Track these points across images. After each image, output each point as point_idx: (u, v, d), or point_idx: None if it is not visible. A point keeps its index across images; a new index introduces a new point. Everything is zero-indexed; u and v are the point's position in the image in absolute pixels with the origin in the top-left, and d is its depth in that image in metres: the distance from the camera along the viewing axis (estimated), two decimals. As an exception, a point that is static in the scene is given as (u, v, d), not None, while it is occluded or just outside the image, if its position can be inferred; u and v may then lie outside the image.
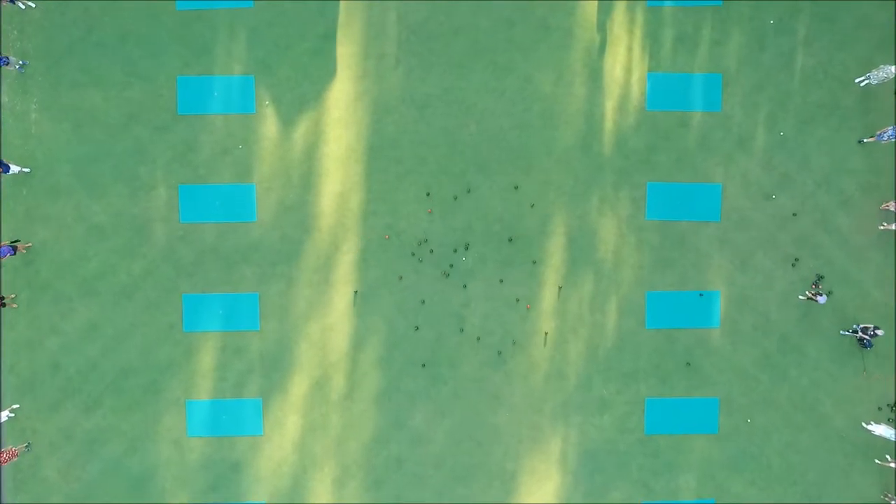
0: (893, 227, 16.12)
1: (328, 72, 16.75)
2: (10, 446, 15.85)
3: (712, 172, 16.91)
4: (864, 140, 16.45)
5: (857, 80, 16.50)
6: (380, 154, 16.84)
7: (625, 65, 16.88)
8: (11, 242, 15.79)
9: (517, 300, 17.07)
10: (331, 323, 16.94)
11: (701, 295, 16.75)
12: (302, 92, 16.74)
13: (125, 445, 16.88)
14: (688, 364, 17.06)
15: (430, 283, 16.97)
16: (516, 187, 16.93)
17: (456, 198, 16.92)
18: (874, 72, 15.70)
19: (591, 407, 17.05)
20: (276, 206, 16.81)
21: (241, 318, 16.85)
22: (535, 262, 17.00)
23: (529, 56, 16.77)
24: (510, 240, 16.95)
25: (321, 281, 16.89)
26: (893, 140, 15.69)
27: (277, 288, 16.86)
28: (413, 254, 16.94)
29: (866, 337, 15.67)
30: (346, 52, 16.76)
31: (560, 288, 17.05)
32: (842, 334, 16.77)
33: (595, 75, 16.84)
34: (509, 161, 16.88)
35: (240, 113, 16.71)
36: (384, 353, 17.00)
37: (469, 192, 16.90)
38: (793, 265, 17.00)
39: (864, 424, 16.36)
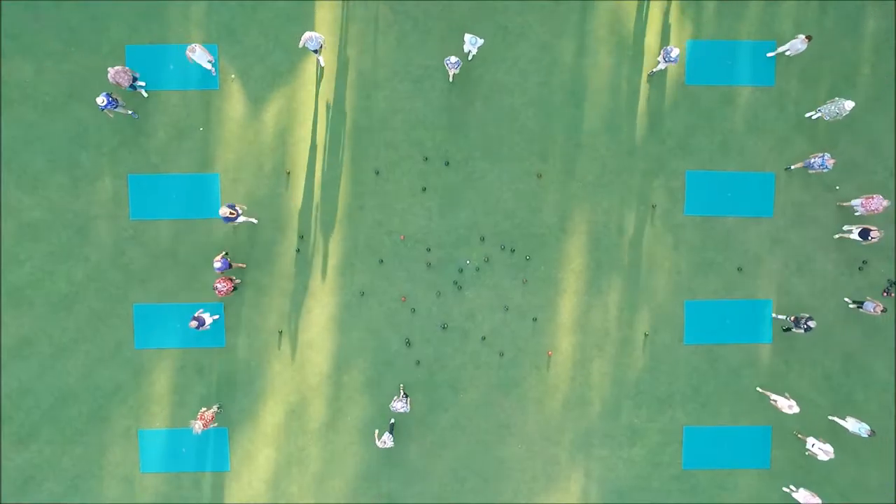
0: (853, 235, 13.57)
1: (305, 39, 14.09)
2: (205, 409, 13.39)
3: (763, 159, 14.30)
4: (792, 167, 14.10)
5: (807, 115, 14.17)
6: (368, 137, 14.21)
7: (659, 30, 14.24)
8: (224, 255, 13.61)
9: (534, 319, 14.44)
10: (309, 339, 14.33)
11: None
12: (274, 63, 14.12)
13: (65, 484, 14.44)
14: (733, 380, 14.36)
15: (425, 292, 14.34)
16: (539, 175, 14.24)
17: (458, 189, 14.28)
18: (827, 105, 13.06)
19: (618, 437, 14.60)
20: (244, 200, 14.28)
21: (202, 332, 14.42)
22: (552, 267, 14.32)
23: (546, 20, 14.17)
24: (523, 239, 14.26)
25: (297, 289, 14.26)
26: (825, 170, 13.16)
27: (245, 297, 14.22)
28: (407, 257, 14.26)
29: (800, 330, 13.43)
30: (327, 15, 14.10)
31: (582, 296, 14.36)
32: (775, 318, 14.43)
33: (624, 43, 14.19)
34: (522, 145, 14.25)
35: (200, 89, 14.25)
36: (372, 374, 14.42)
37: (474, 182, 14.19)
38: (860, 269, 14.39)
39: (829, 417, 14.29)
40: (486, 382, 14.56)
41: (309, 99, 14.25)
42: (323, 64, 13.96)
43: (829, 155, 13.04)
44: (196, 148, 14.25)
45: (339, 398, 14.50)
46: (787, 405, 13.24)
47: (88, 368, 14.38)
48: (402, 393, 13.64)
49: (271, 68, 14.19)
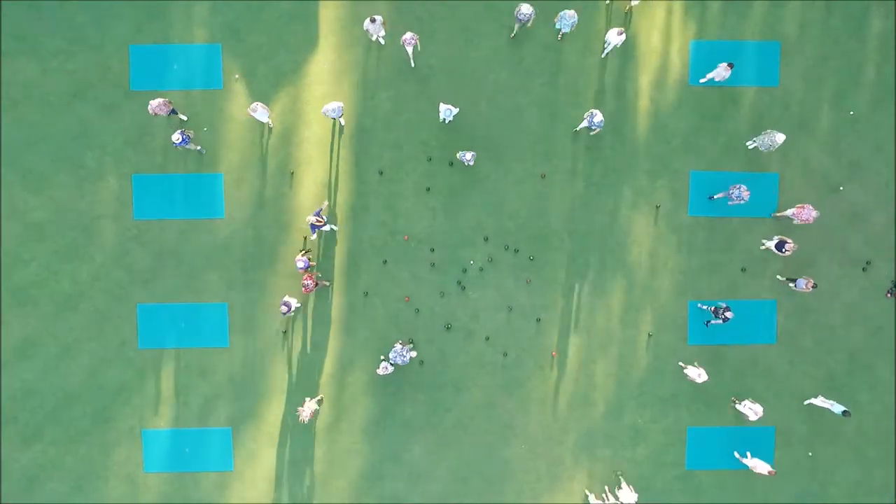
0: (772, 246, 13.52)
1: (309, 39, 14.19)
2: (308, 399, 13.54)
3: (768, 160, 14.26)
4: (715, 196, 14.02)
5: (747, 144, 14.13)
6: (372, 138, 14.20)
7: (664, 30, 14.19)
8: (304, 253, 13.71)
9: (538, 320, 14.41)
10: (313, 339, 14.36)
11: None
12: (278, 63, 14.10)
13: (69, 484, 14.43)
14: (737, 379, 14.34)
15: (429, 292, 14.32)
16: (543, 176, 14.24)
17: (463, 190, 14.28)
18: (761, 137, 13.13)
19: (622, 438, 14.56)
20: (248, 201, 14.24)
21: (206, 332, 14.40)
22: (555, 267, 14.31)
23: (551, 20, 14.06)
24: (527, 239, 14.24)
25: (301, 289, 14.20)
26: (742, 202, 13.09)
27: (249, 297, 14.27)
28: (411, 257, 14.25)
29: (718, 321, 13.36)
30: (331, 15, 14.09)
31: (587, 297, 14.36)
32: (699, 307, 14.35)
33: (628, 43, 14.16)
34: (527, 146, 14.23)
35: (204, 89, 14.17)
36: (376, 374, 14.33)
37: (478, 183, 14.17)
38: (864, 270, 14.36)
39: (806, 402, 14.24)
40: (490, 383, 14.53)
41: (313, 99, 14.23)
42: (343, 123, 14.09)
43: (745, 187, 12.92)
44: (201, 147, 14.22)
45: (342, 398, 14.48)
46: (697, 374, 13.26)
47: (92, 368, 14.37)
48: (403, 346, 13.52)
49: (275, 68, 14.17)
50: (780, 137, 12.86)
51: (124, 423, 14.45)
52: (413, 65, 13.56)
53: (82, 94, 14.15)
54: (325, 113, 13.12)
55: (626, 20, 14.09)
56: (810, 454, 14.53)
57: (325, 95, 14.21)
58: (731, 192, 13.04)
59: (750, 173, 14.31)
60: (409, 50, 13.28)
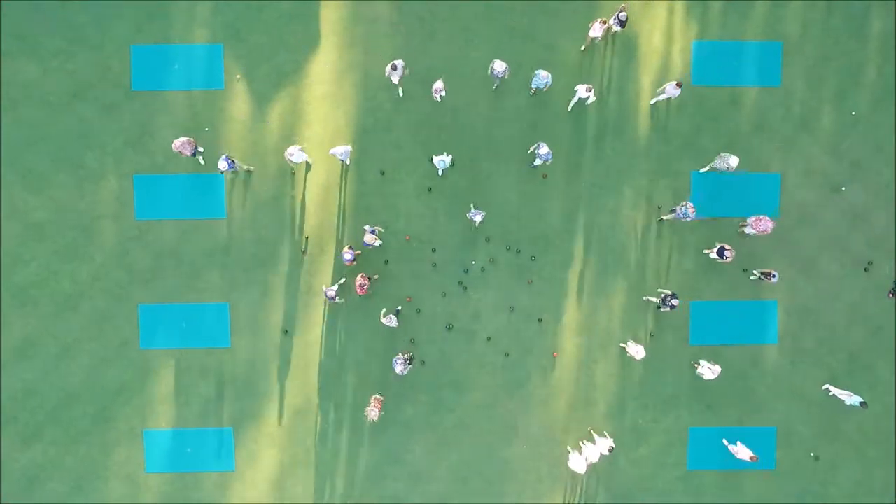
0: (714, 255, 13.45)
1: (310, 39, 14.16)
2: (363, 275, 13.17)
3: (769, 160, 14.29)
4: (664, 217, 14.00)
5: (700, 170, 14.11)
6: (373, 138, 14.17)
7: (665, 31, 14.18)
8: (349, 247, 13.52)
9: (540, 320, 14.39)
10: (314, 339, 14.31)
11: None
12: (279, 63, 14.07)
13: (70, 484, 14.40)
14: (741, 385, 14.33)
15: (431, 292, 14.31)
16: (545, 176, 14.24)
17: (464, 190, 14.27)
18: (717, 160, 13.10)
19: (623, 438, 14.59)
20: (249, 201, 14.15)
21: (207, 332, 14.38)
22: (557, 267, 14.31)
23: (552, 20, 14.11)
24: (528, 240, 14.24)
25: (303, 289, 14.23)
26: (692, 219, 13.11)
27: (251, 297, 14.24)
28: (413, 257, 14.23)
29: (666, 309, 13.26)
30: (332, 15, 14.07)
31: (588, 297, 14.35)
32: (644, 300, 14.37)
33: (630, 43, 14.12)
34: (528, 146, 14.16)
35: (205, 89, 14.14)
36: (378, 374, 14.32)
37: (480, 183, 14.16)
38: (865, 270, 14.37)
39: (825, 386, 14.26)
40: (492, 383, 14.52)
41: (314, 99, 14.20)
42: (349, 163, 14.08)
43: (691, 204, 12.86)
44: (201, 148, 14.18)
45: (344, 398, 14.46)
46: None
47: (93, 368, 14.35)
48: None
49: (276, 68, 14.15)
50: (734, 161, 12.78)
51: (125, 423, 14.43)
52: (438, 99, 13.52)
53: (83, 94, 14.12)
54: (333, 154, 13.11)
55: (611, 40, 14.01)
56: (812, 454, 14.53)
57: (325, 95, 14.18)
58: (678, 210, 13.03)
59: (752, 173, 14.31)
60: (438, 97, 13.17)
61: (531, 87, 13.74)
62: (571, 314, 14.47)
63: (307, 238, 14.29)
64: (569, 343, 14.48)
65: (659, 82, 14.25)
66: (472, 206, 13.83)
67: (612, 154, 14.31)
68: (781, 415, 14.55)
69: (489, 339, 14.47)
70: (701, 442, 14.57)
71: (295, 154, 13.05)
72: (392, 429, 14.49)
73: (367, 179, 14.28)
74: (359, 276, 13.08)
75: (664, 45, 14.27)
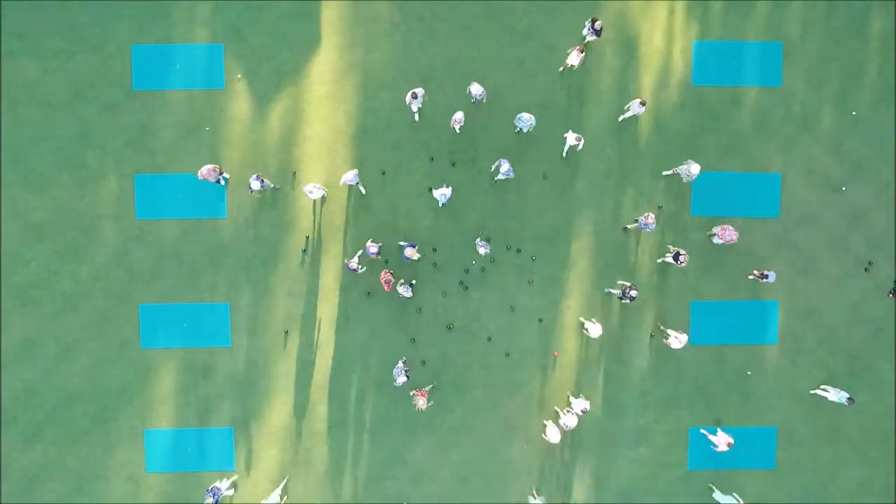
0: (669, 260, 13.58)
1: (311, 39, 14.13)
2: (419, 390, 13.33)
3: (770, 160, 14.30)
4: (628, 227, 14.12)
5: (664, 173, 14.19)
6: (373, 138, 14.16)
7: (666, 31, 14.17)
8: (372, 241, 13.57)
9: (540, 320, 14.40)
10: (315, 339, 14.30)
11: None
12: (279, 63, 14.06)
13: (70, 485, 14.39)
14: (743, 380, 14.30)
15: (431, 292, 14.30)
16: (545, 176, 14.24)
17: (465, 190, 14.22)
18: (682, 166, 13.23)
19: (624, 438, 14.62)
20: (250, 200, 14.15)
21: (208, 332, 14.38)
22: (558, 267, 14.33)
23: (553, 19, 14.10)
24: (529, 240, 14.24)
25: (303, 289, 14.21)
26: (650, 230, 13.25)
27: (251, 297, 14.25)
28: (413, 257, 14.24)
29: (627, 300, 13.28)
30: (332, 14, 14.07)
31: (589, 297, 14.36)
32: (606, 293, 14.40)
33: (630, 43, 14.14)
34: (529, 146, 14.15)
35: (206, 88, 14.13)
36: (379, 374, 14.34)
37: (480, 183, 14.17)
38: (866, 270, 14.38)
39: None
40: (492, 383, 14.52)
41: (315, 99, 14.20)
42: (364, 192, 14.12)
43: (651, 215, 12.98)
44: (202, 148, 14.20)
45: (344, 398, 14.47)
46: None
47: (94, 368, 14.34)
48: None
49: (277, 68, 14.14)
50: (695, 168, 12.85)
51: (126, 423, 14.43)
52: (458, 131, 13.68)
53: (83, 93, 14.11)
54: (344, 182, 13.23)
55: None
56: (811, 454, 14.55)
57: (326, 95, 14.18)
58: (640, 221, 13.10)
59: (752, 174, 14.31)
60: (457, 127, 13.32)
61: (516, 127, 13.83)
62: (572, 314, 14.47)
63: (308, 237, 14.29)
64: (569, 343, 14.48)
65: (659, 82, 14.25)
66: (478, 237, 13.84)
67: (613, 154, 14.31)
68: (782, 415, 14.55)
69: (490, 339, 14.47)
70: (701, 442, 14.56)
71: (314, 191, 13.13)
72: (392, 428, 14.49)
73: (367, 179, 14.27)
74: (383, 273, 13.14)
75: (665, 44, 14.27)
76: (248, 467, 14.49)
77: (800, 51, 14.25)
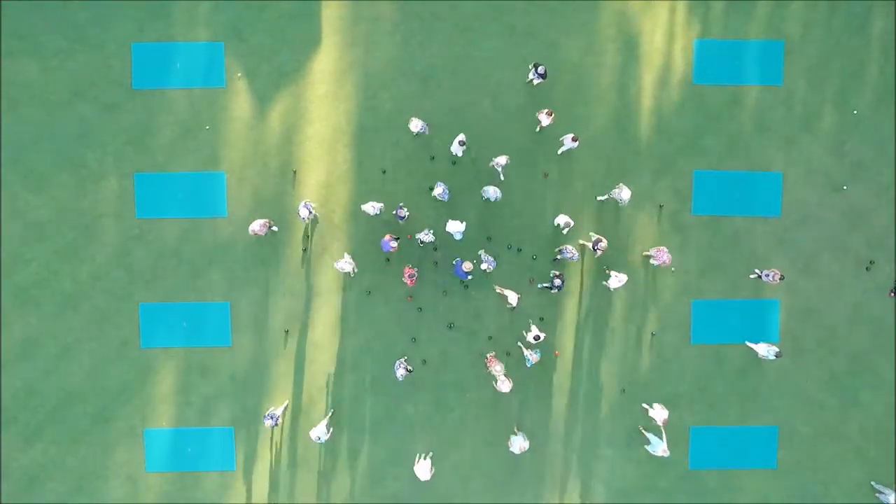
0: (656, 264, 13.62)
1: (311, 38, 14.12)
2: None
3: (771, 159, 14.27)
4: (557, 258, 13.93)
5: (598, 198, 14.23)
6: (374, 137, 14.15)
7: (667, 29, 14.16)
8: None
9: (541, 319, 14.38)
10: (315, 338, 14.29)
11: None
12: (280, 62, 14.04)
13: (70, 484, 14.37)
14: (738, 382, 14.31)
15: (432, 291, 14.29)
16: (546, 175, 14.23)
17: (466, 189, 14.27)
18: (614, 190, 13.35)
19: (625, 437, 14.49)
20: (250, 200, 14.19)
21: (208, 332, 14.37)
22: (558, 266, 14.29)
23: (554, 18, 14.08)
24: (529, 239, 14.24)
25: (304, 288, 14.19)
26: (574, 259, 13.35)
27: (251, 296, 14.21)
28: (414, 256, 14.21)
29: (554, 291, 13.42)
30: (333, 14, 14.05)
31: (589, 296, 14.34)
32: (539, 288, 14.39)
33: (632, 42, 14.12)
34: (530, 145, 14.14)
35: (206, 87, 14.09)
36: (379, 373, 14.32)
37: (481, 182, 14.18)
38: (867, 269, 14.35)
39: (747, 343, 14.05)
40: (492, 382, 14.50)
41: (315, 98, 14.18)
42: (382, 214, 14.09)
43: (570, 247, 13.16)
44: (202, 147, 14.18)
45: (345, 398, 14.45)
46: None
47: (94, 368, 14.32)
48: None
49: (277, 67, 14.12)
50: (626, 194, 13.05)
51: (126, 422, 14.41)
52: (502, 178, 13.81)
53: (83, 92, 14.10)
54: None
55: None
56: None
57: (327, 94, 14.16)
58: (564, 249, 13.23)
59: (753, 173, 14.30)
60: (500, 171, 13.35)
61: (482, 196, 13.82)
62: (573, 313, 14.46)
63: (308, 237, 14.27)
64: (570, 342, 14.47)
65: (660, 81, 14.24)
66: (482, 251, 13.82)
67: (614, 153, 14.29)
68: (783, 414, 14.54)
69: (490, 338, 14.45)
70: (702, 441, 14.56)
71: (345, 267, 13.28)
72: (393, 427, 14.47)
73: (368, 178, 14.26)
74: (406, 269, 13.20)
75: (666, 43, 14.25)
76: (248, 467, 14.47)
77: (801, 50, 14.24)
